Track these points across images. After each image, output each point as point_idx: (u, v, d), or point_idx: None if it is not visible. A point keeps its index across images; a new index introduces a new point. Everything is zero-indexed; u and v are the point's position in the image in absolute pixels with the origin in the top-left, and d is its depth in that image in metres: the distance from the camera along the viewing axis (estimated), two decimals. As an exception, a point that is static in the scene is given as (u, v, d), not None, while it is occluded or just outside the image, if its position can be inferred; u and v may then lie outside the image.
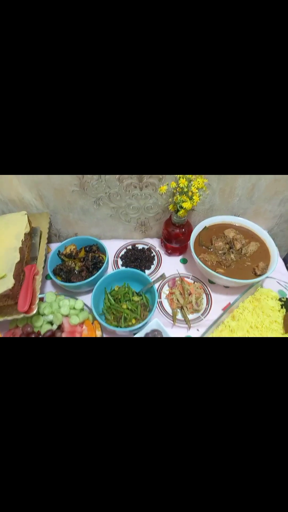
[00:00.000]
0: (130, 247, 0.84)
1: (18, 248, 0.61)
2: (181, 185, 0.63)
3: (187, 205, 0.64)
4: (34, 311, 0.55)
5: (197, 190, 0.63)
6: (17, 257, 0.59)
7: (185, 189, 0.64)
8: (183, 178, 0.63)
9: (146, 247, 0.84)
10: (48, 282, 0.76)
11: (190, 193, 0.64)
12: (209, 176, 0.69)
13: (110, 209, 0.77)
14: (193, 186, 0.63)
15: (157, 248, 0.84)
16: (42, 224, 0.75)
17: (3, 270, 0.57)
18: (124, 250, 0.83)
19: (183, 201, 0.64)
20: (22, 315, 0.54)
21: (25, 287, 0.58)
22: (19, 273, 0.59)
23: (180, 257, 0.82)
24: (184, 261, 0.81)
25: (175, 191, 0.66)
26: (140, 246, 0.84)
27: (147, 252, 0.81)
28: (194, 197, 0.64)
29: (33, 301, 0.57)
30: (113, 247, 0.82)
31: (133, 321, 0.63)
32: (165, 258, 0.81)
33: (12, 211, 0.77)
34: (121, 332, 0.61)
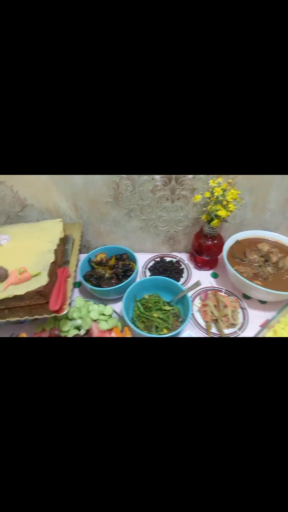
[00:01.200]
0: (158, 259, 0.82)
1: (53, 250, 0.62)
2: (216, 194, 0.64)
3: (222, 213, 0.63)
4: (65, 311, 0.53)
5: (231, 200, 0.64)
6: (52, 258, 0.60)
7: (220, 198, 0.64)
8: (218, 187, 0.64)
9: (174, 260, 0.82)
10: (76, 290, 0.75)
11: (225, 202, 0.64)
12: (241, 188, 0.70)
13: (141, 221, 0.79)
14: (228, 196, 0.64)
15: (186, 262, 0.82)
16: (75, 234, 0.76)
17: (38, 269, 0.57)
18: (153, 262, 0.81)
19: (217, 210, 0.64)
20: (53, 314, 0.52)
21: (57, 287, 0.56)
22: (53, 273, 0.59)
23: (211, 271, 0.79)
24: (214, 276, 0.78)
25: (209, 200, 0.67)
26: (168, 259, 0.83)
27: (176, 264, 0.79)
28: (229, 205, 0.64)
29: (65, 302, 0.55)
30: (141, 260, 0.81)
31: (165, 330, 0.59)
32: (195, 272, 0.79)
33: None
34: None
